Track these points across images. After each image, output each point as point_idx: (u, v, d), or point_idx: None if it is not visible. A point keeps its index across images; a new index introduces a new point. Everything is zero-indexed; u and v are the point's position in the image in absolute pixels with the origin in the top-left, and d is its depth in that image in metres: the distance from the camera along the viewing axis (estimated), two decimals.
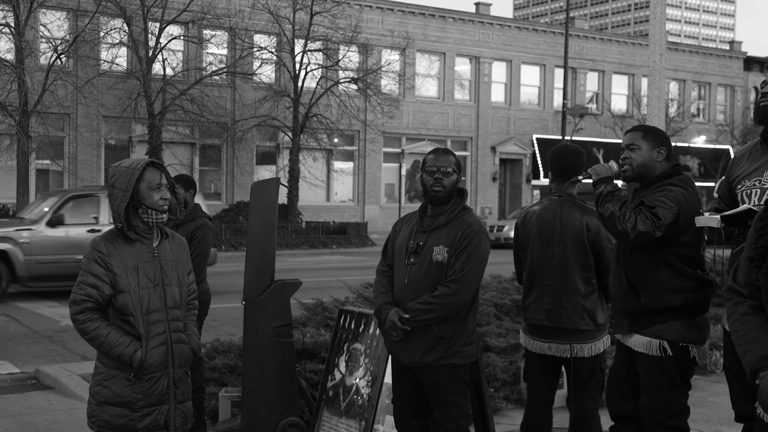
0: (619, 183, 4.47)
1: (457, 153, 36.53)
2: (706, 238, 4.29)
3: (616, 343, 4.50)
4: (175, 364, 3.76)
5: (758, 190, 3.93)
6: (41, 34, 26.78)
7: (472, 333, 4.33)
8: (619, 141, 33.28)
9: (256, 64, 30.72)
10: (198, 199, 6.87)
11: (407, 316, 4.18)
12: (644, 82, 38.65)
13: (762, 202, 3.87)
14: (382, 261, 4.54)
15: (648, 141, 4.27)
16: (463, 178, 4.55)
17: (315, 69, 30.41)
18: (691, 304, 4.21)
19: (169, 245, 3.83)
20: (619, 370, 4.43)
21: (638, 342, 4.24)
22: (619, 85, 43.21)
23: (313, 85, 30.28)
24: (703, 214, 4.15)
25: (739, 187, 4.05)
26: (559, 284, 4.81)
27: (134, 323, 3.64)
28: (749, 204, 3.91)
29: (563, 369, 5.07)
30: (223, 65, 30.10)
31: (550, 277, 4.84)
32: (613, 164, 4.30)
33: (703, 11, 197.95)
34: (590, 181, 4.32)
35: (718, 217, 3.89)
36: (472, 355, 4.34)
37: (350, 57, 31.92)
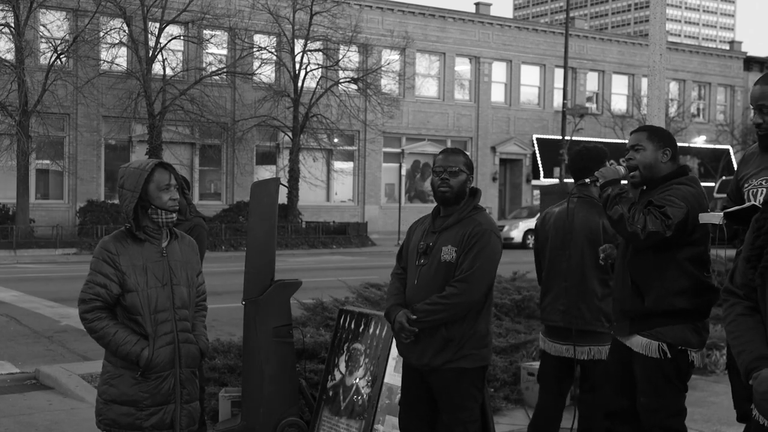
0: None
1: None
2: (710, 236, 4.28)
3: (612, 341, 4.47)
4: (181, 364, 3.77)
5: (764, 189, 3.94)
6: (41, 34, 26.80)
7: (486, 335, 4.24)
8: (619, 141, 33.65)
9: (256, 64, 30.73)
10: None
11: (415, 317, 4.13)
12: (644, 82, 38.66)
13: (762, 197, 3.88)
14: (397, 264, 4.49)
15: (653, 142, 4.23)
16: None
17: (315, 69, 30.41)
18: (693, 308, 4.16)
19: (179, 246, 3.85)
20: (615, 369, 4.40)
21: (638, 343, 4.21)
22: (619, 85, 43.22)
23: (313, 85, 30.28)
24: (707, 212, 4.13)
25: (746, 185, 4.06)
26: (575, 286, 4.80)
27: (142, 322, 3.66)
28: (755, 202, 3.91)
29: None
30: (223, 65, 30.11)
31: (566, 279, 4.84)
32: (620, 167, 4.25)
33: (703, 11, 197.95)
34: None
35: (721, 213, 3.88)
36: (484, 358, 4.24)
37: (350, 57, 31.92)
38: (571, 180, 4.54)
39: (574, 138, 34.76)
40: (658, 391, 4.18)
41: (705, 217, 4.03)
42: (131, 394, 3.66)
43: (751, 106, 3.79)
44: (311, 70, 30.18)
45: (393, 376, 5.12)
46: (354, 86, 31.04)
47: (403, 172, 34.28)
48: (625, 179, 4.26)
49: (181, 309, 3.79)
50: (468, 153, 39.62)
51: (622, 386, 4.34)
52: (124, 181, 3.70)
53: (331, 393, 5.48)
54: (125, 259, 3.67)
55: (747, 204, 3.82)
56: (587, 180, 4.28)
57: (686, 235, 4.07)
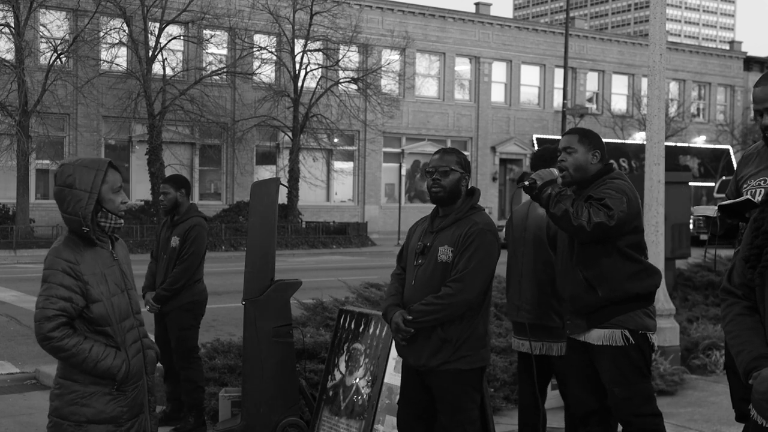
0: None
1: None
2: (706, 236, 4.35)
3: (568, 343, 4.53)
4: (148, 371, 3.60)
5: (762, 190, 3.94)
6: (41, 34, 26.78)
7: (484, 336, 4.25)
8: (619, 141, 33.53)
9: (256, 64, 30.72)
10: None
11: (410, 317, 4.15)
12: (644, 82, 38.66)
13: (761, 197, 3.89)
14: (397, 265, 4.51)
15: (584, 144, 4.41)
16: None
17: (315, 69, 30.40)
18: (644, 292, 4.33)
19: (119, 248, 3.60)
20: (578, 370, 4.46)
21: (600, 336, 4.30)
22: (619, 85, 43.22)
23: (313, 85, 30.27)
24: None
25: (745, 186, 4.09)
26: (527, 282, 4.90)
27: (112, 333, 3.39)
28: None
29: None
30: (223, 65, 30.09)
31: (521, 275, 4.94)
32: (554, 169, 4.37)
33: (703, 11, 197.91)
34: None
35: (715, 207, 3.92)
36: (482, 359, 4.26)
37: (350, 57, 31.91)
38: None
39: None
40: (629, 379, 4.29)
41: (699, 210, 4.12)
42: (110, 411, 3.39)
43: (754, 109, 3.80)
44: (311, 70, 30.16)
45: (393, 376, 5.13)
46: (354, 86, 31.03)
47: (403, 172, 34.28)
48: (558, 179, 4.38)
49: (138, 314, 3.58)
50: (468, 153, 39.72)
51: (591, 386, 4.41)
52: (75, 180, 3.35)
53: (331, 393, 5.48)
54: (85, 267, 3.35)
55: (742, 198, 3.84)
56: (526, 183, 4.33)
57: (629, 223, 4.24)
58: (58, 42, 25.86)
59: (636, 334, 4.28)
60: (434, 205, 4.39)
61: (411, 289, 4.27)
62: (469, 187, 4.35)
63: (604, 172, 4.40)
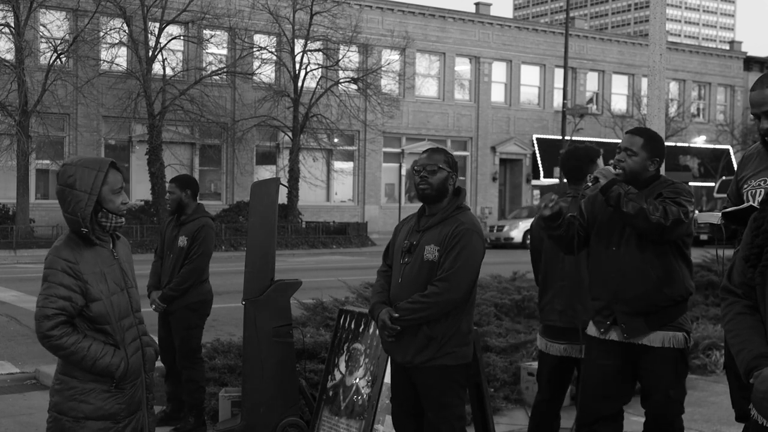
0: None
1: (457, 153, 36.76)
2: (707, 237, 4.39)
3: (598, 345, 4.38)
4: (146, 369, 3.63)
5: (762, 190, 3.95)
6: (41, 34, 26.79)
7: (467, 334, 4.31)
8: (619, 141, 33.57)
9: (256, 64, 30.73)
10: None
11: (397, 315, 4.19)
12: (644, 82, 38.66)
13: (761, 197, 3.90)
14: (383, 262, 4.56)
15: (646, 150, 4.33)
16: (461, 178, 4.54)
17: (315, 69, 30.41)
18: (691, 291, 4.38)
19: (121, 246, 3.64)
20: (608, 373, 4.36)
21: (662, 338, 4.26)
22: (619, 85, 43.22)
23: (313, 85, 30.28)
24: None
25: (745, 186, 4.10)
26: (572, 286, 4.84)
27: (111, 332, 3.44)
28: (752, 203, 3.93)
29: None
30: (223, 65, 30.10)
31: (563, 279, 4.89)
32: (611, 168, 4.33)
33: (703, 11, 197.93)
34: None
35: (719, 213, 3.93)
36: (466, 356, 4.30)
37: (350, 57, 31.92)
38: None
39: (574, 138, 34.76)
40: (680, 380, 4.33)
41: (703, 217, 4.10)
42: (108, 408, 3.44)
43: (752, 112, 3.81)
44: (311, 70, 30.17)
45: None
46: (354, 86, 31.04)
47: (403, 172, 34.28)
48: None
49: (138, 312, 3.61)
50: (468, 153, 39.64)
51: (615, 390, 4.37)
52: (75, 180, 3.41)
53: (331, 393, 5.48)
54: (85, 266, 3.40)
55: (745, 204, 3.84)
56: (589, 182, 4.31)
57: (690, 224, 4.27)
58: (58, 42, 25.87)
59: (689, 336, 4.35)
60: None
61: (398, 286, 4.31)
62: (456, 186, 4.39)
63: (654, 178, 4.37)
